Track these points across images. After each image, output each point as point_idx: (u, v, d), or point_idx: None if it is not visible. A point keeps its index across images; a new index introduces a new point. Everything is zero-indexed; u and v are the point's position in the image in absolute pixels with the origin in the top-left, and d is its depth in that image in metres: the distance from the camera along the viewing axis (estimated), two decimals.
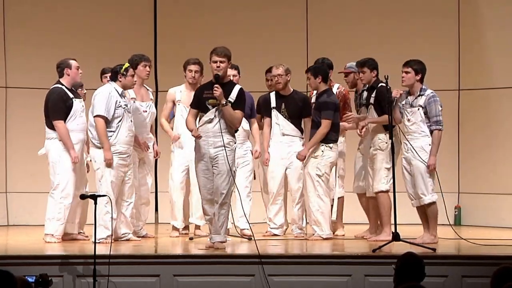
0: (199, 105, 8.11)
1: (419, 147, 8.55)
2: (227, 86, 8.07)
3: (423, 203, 8.58)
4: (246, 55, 10.78)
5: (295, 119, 9.35)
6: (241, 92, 8.10)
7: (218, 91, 7.91)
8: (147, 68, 9.30)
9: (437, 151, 8.52)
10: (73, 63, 8.92)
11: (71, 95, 8.85)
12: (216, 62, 8.03)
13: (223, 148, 7.94)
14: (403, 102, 8.72)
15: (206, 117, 8.03)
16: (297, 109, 9.32)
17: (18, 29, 11.29)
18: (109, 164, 8.55)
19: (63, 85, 8.86)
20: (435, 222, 8.62)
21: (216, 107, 7.97)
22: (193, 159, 9.29)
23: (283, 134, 9.39)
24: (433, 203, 8.58)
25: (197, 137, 8.02)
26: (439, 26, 11.45)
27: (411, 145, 8.57)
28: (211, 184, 8.03)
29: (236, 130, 8.19)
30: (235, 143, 8.11)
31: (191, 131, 8.09)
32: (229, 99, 7.98)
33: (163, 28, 11.83)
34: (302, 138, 9.32)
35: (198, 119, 8.19)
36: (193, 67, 9.44)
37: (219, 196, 7.99)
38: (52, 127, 8.80)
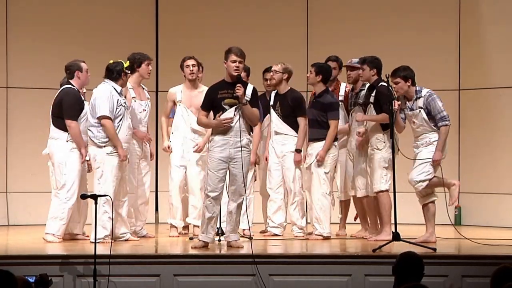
0: (213, 106, 8.14)
1: (426, 143, 8.54)
2: (243, 86, 8.10)
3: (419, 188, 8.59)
4: (246, 50, 10.77)
5: (288, 118, 9.27)
6: (254, 91, 8.18)
7: (241, 90, 7.97)
8: (150, 67, 9.29)
9: (442, 146, 8.51)
10: (83, 66, 8.87)
11: (82, 98, 8.86)
12: (235, 62, 8.08)
13: (242, 149, 8.00)
14: (405, 108, 8.69)
15: (225, 116, 8.04)
16: (288, 108, 9.26)
17: (19, 29, 11.29)
18: (124, 160, 8.55)
19: (74, 87, 8.83)
20: (433, 221, 8.61)
21: (236, 107, 8.01)
22: (191, 159, 9.31)
23: (276, 133, 9.36)
24: (430, 202, 8.59)
25: (228, 124, 7.97)
26: (439, 26, 11.46)
27: (420, 144, 8.59)
28: (223, 183, 8.09)
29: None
30: (251, 142, 8.20)
31: (220, 124, 8.00)
32: (245, 98, 8.04)
33: (165, 25, 11.84)
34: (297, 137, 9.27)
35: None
36: (190, 62, 9.45)
37: (237, 197, 8.10)
38: (59, 127, 8.74)
